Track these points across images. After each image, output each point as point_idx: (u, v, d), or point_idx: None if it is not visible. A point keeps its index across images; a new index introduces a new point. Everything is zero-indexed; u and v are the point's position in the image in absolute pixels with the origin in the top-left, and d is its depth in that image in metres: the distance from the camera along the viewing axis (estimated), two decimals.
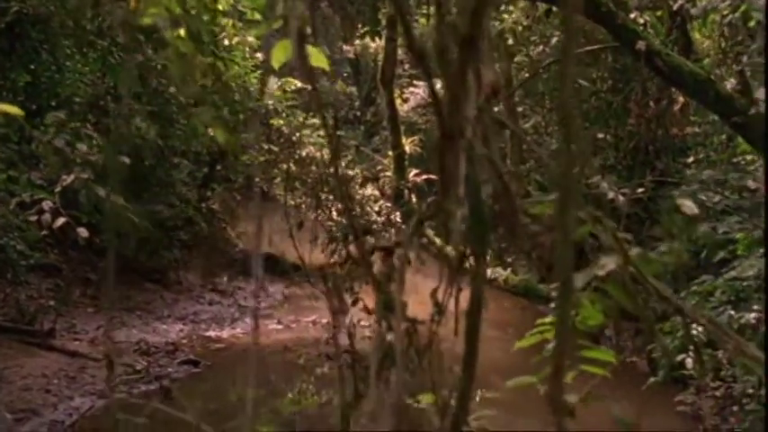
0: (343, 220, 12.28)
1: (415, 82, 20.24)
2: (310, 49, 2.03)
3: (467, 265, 1.31)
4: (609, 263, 1.77)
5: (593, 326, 2.19)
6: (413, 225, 1.36)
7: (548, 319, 2.23)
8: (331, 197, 13.76)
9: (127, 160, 5.25)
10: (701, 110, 13.15)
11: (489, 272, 15.24)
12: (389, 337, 1.49)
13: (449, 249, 1.26)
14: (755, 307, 6.48)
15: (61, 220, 5.66)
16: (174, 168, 14.06)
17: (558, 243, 1.00)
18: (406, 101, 20.15)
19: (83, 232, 5.57)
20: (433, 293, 1.55)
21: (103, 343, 10.35)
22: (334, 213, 13.77)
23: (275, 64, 2.17)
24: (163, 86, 13.22)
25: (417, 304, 1.88)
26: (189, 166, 15.00)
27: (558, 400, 0.98)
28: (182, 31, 1.98)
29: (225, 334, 12.46)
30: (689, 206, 1.79)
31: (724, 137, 12.33)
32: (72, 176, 5.50)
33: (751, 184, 5.66)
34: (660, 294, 1.75)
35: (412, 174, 14.13)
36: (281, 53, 2.19)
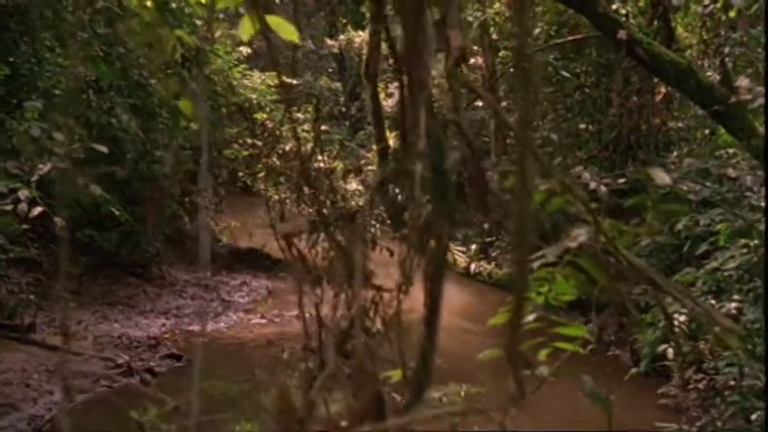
0: (326, 211, 12.21)
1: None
2: (275, 21, 1.98)
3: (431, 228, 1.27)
4: (580, 234, 1.75)
5: (566, 301, 2.16)
6: (374, 186, 1.33)
7: None
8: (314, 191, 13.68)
9: (104, 149, 5.18)
10: (684, 105, 13.20)
11: (473, 266, 15.22)
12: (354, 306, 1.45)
13: (410, 212, 1.23)
14: (736, 297, 6.49)
15: (38, 210, 5.58)
16: (156, 162, 13.95)
17: (515, 192, 0.96)
18: (390, 96, 20.10)
19: (59, 221, 5.49)
20: (402, 263, 1.51)
21: (60, 328, 10.23)
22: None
23: (244, 36, 2.12)
24: (145, 79, 13.12)
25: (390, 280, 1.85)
26: (172, 160, 14.89)
27: (515, 350, 0.95)
28: (148, 2, 1.94)
29: (208, 328, 12.39)
30: (661, 176, 1.76)
31: (707, 131, 12.37)
32: (49, 165, 5.42)
33: (731, 172, 5.67)
34: (633, 266, 1.73)
35: None
36: (248, 26, 2.15)
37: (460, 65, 1.53)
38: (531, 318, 2.28)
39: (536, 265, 2.22)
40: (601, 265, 1.76)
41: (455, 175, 1.52)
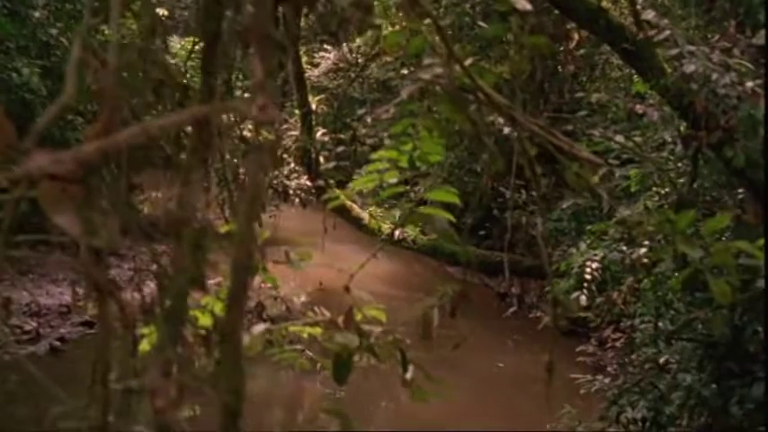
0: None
1: (326, 46, 19.96)
2: None
3: None
4: (434, 64, 1.59)
5: (433, 162, 2.02)
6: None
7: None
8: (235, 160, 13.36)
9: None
10: (605, 73, 13.35)
11: (398, 233, 15.12)
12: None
13: None
14: (645, 242, 6.51)
15: None
16: (69, 128, 13.39)
17: None
18: (316, 66, 19.86)
19: None
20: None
21: None
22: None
23: None
24: (55, 40, 12.58)
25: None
26: (86, 126, 14.34)
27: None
28: None
29: (124, 297, 12.01)
30: (522, 3, 1.62)
31: (629, 104, 12.51)
32: None
33: (639, 108, 5.65)
34: (492, 102, 1.58)
35: (319, 133, 13.89)
36: None
37: None
38: (394, 180, 2.14)
39: (393, 112, 2.08)
40: (459, 103, 1.61)
41: None
